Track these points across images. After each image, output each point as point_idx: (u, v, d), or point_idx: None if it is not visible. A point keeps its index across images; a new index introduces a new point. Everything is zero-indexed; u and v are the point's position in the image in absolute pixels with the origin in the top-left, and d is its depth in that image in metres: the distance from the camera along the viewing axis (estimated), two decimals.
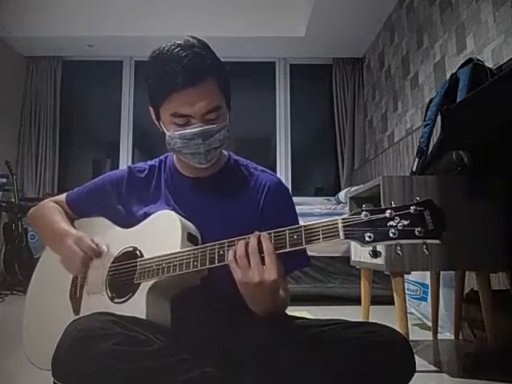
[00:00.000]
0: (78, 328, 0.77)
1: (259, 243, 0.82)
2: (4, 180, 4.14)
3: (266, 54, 4.90)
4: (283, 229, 0.82)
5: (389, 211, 0.74)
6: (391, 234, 0.73)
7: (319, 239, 0.78)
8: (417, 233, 0.72)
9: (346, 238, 0.76)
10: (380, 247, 0.77)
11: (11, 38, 4.47)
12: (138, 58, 4.92)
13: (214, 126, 0.95)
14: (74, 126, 5.16)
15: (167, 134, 0.98)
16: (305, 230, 0.80)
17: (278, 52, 4.88)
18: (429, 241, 0.72)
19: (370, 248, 0.76)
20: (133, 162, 4.71)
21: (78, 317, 0.84)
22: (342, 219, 0.77)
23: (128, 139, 4.90)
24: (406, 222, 0.73)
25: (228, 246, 0.84)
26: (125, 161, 4.85)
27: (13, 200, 4.01)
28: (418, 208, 0.73)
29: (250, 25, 4.44)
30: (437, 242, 0.72)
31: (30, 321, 1.10)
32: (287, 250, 0.81)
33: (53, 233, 1.08)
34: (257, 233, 0.83)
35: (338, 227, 0.77)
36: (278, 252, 0.81)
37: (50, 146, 4.75)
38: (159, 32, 4.24)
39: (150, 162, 1.13)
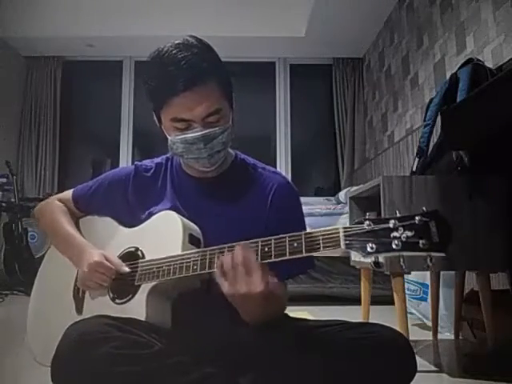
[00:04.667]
0: (76, 332, 0.77)
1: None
2: (4, 180, 4.13)
3: (266, 53, 4.90)
4: (283, 236, 0.80)
5: (392, 221, 0.72)
6: (394, 246, 0.71)
7: (319, 248, 0.76)
8: (421, 245, 0.70)
9: (346, 247, 0.74)
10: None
11: (11, 38, 4.47)
12: (138, 58, 4.91)
13: (216, 128, 0.93)
14: (74, 126, 5.15)
15: (169, 138, 0.97)
16: (305, 238, 0.78)
17: (277, 52, 4.88)
18: (434, 253, 0.70)
19: (373, 258, 0.74)
20: (133, 162, 4.69)
21: (78, 319, 0.84)
22: (344, 228, 0.75)
23: (128, 139, 4.90)
24: (410, 234, 0.70)
25: (228, 251, 0.83)
26: (125, 161, 4.85)
27: (13, 200, 4.00)
28: (424, 219, 0.71)
29: (249, 25, 4.44)
30: (442, 254, 0.70)
31: (35, 318, 1.10)
32: (286, 257, 0.78)
33: (60, 237, 1.08)
34: (245, 242, 0.81)
35: (339, 236, 0.75)
36: (277, 260, 0.79)
37: (50, 146, 4.75)
38: (159, 32, 4.23)
39: (156, 160, 1.12)
